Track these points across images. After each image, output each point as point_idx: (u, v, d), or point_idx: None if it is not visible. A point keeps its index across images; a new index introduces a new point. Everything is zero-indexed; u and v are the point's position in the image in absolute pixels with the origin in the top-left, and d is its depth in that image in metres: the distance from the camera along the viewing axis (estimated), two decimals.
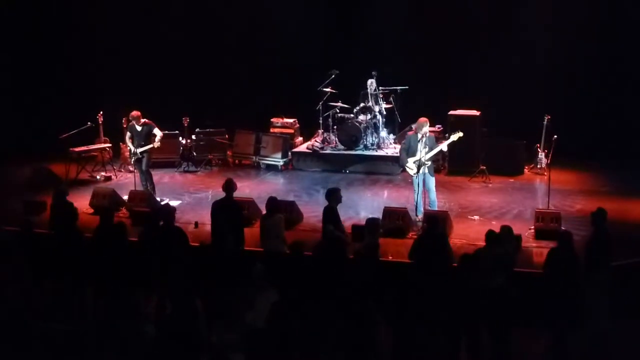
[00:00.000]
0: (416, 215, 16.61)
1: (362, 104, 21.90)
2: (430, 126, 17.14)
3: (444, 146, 16.75)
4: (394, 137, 22.46)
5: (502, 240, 12.39)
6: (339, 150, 22.07)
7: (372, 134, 21.97)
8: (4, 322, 12.76)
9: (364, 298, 11.70)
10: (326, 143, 22.38)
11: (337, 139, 22.20)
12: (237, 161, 22.85)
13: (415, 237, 14.35)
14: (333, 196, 14.24)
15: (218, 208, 14.35)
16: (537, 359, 12.36)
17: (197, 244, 13.67)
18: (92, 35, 24.22)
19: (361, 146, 21.85)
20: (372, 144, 21.93)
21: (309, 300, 12.10)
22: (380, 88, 22.00)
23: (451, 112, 21.00)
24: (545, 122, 20.16)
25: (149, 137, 18.39)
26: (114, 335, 12.23)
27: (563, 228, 15.52)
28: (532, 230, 16.05)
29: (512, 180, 20.44)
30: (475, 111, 21.10)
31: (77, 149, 20.88)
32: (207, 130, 22.70)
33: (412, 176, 16.87)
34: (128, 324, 12.26)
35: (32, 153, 21.48)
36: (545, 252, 12.85)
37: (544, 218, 16.05)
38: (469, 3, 22.90)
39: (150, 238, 13.39)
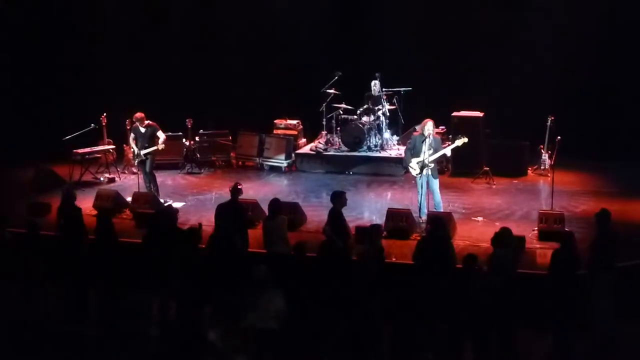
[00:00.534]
0: (419, 217, 16.59)
1: (365, 106, 21.88)
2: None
3: (447, 150, 16.73)
4: (398, 138, 22.44)
5: (501, 242, 12.36)
6: (343, 151, 22.06)
7: (375, 135, 21.95)
8: (10, 323, 12.77)
9: (368, 299, 11.71)
10: (329, 144, 22.37)
11: (340, 141, 22.18)
12: (240, 163, 22.83)
13: (419, 238, 14.33)
14: (338, 199, 14.17)
15: (223, 210, 14.33)
16: None
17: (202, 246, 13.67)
18: (95, 37, 24.21)
19: (364, 147, 21.83)
20: (376, 146, 21.91)
21: (312, 302, 12.09)
22: (384, 89, 22.00)
23: (454, 114, 20.99)
24: (548, 123, 20.12)
25: (152, 139, 18.38)
26: (118, 337, 12.25)
27: (567, 229, 15.50)
28: (536, 232, 16.02)
29: (515, 181, 20.42)
30: (478, 112, 21.07)
31: (80, 151, 20.87)
32: (211, 132, 22.71)
33: (415, 177, 16.83)
34: (132, 325, 12.27)
35: (36, 155, 21.45)
36: (548, 253, 12.82)
37: (548, 219, 16.02)
38: (472, 4, 22.86)
39: (154, 239, 13.38)
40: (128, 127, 19.89)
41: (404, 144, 21.98)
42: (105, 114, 21.03)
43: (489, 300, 11.58)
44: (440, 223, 13.21)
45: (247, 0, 24.44)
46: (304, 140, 23.32)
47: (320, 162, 22.04)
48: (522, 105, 21.63)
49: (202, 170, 22.12)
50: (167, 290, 12.80)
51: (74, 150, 20.72)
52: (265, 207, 16.87)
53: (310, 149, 22.50)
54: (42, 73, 23.76)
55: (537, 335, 12.53)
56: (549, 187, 18.09)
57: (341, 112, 22.19)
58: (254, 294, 11.90)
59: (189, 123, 21.96)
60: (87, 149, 21.09)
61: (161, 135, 18.42)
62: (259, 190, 19.73)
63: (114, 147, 21.69)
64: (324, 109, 22.22)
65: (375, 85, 21.84)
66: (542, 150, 20.68)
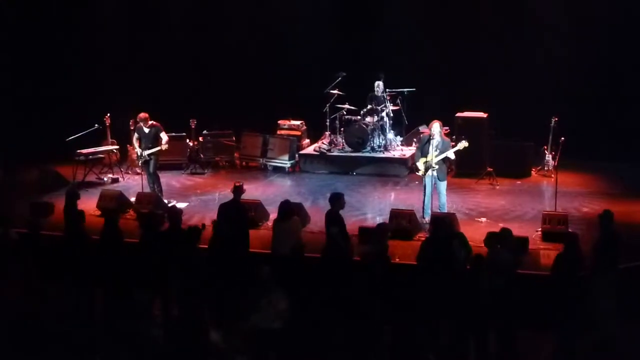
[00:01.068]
0: (423, 217, 16.60)
1: (369, 106, 21.89)
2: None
3: (450, 153, 16.69)
4: (401, 139, 22.44)
5: (502, 243, 12.35)
6: (346, 152, 22.06)
7: (379, 136, 21.95)
8: (13, 323, 12.80)
9: (371, 300, 11.73)
10: (333, 145, 22.37)
11: (344, 141, 22.18)
12: (244, 163, 22.84)
13: (423, 239, 14.33)
14: (338, 201, 14.03)
15: (224, 210, 14.33)
16: None
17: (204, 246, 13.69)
18: (99, 37, 24.25)
19: (368, 148, 21.83)
20: (379, 146, 21.91)
21: (315, 302, 12.11)
22: (388, 90, 22.00)
23: (458, 114, 20.98)
24: (552, 124, 20.13)
25: (156, 139, 18.40)
26: (120, 338, 12.27)
27: (570, 230, 15.51)
28: (539, 233, 16.01)
29: (519, 182, 20.42)
30: (482, 113, 21.07)
31: (84, 151, 20.88)
32: (214, 132, 22.72)
33: (422, 177, 16.84)
34: (134, 326, 12.30)
35: (40, 155, 21.48)
36: (552, 254, 12.83)
37: (551, 220, 16.02)
38: (475, 5, 22.86)
39: (150, 240, 13.39)
40: (132, 128, 19.90)
41: (407, 145, 22.09)
42: (108, 114, 21.05)
43: (489, 301, 11.60)
44: (443, 223, 13.21)
45: (251, 0, 24.45)
46: (307, 140, 23.32)
47: (323, 163, 22.05)
48: (525, 106, 21.63)
49: (206, 171, 22.14)
50: (169, 290, 12.84)
51: (78, 151, 20.72)
52: (268, 208, 16.95)
53: (314, 150, 22.51)
54: (46, 73, 23.76)
55: (539, 336, 12.54)
56: (552, 188, 18.05)
57: (345, 113, 22.20)
58: (257, 294, 11.91)
59: (192, 123, 21.96)
60: (91, 149, 21.10)
61: (164, 136, 18.42)
62: (262, 191, 19.75)
63: (117, 147, 21.72)
64: (328, 110, 22.23)
65: (378, 86, 21.86)
66: (546, 151, 20.68)
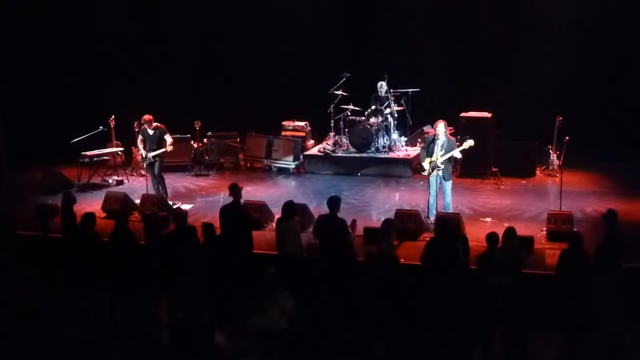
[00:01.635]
0: (428, 218, 16.61)
1: (373, 107, 21.91)
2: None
3: (456, 152, 16.68)
4: (406, 139, 22.47)
5: (507, 242, 12.37)
6: (351, 152, 22.10)
7: (383, 136, 21.99)
8: (18, 325, 12.84)
9: (377, 300, 11.75)
10: (338, 146, 22.41)
11: (348, 142, 22.22)
12: (248, 164, 22.88)
13: (428, 239, 14.33)
14: (338, 205, 13.90)
15: (225, 213, 14.33)
16: None
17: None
18: (104, 39, 24.29)
19: (372, 149, 21.86)
20: (384, 147, 21.94)
21: (322, 303, 12.14)
22: (392, 90, 22.04)
23: (463, 114, 20.99)
24: (557, 124, 20.14)
25: (161, 141, 18.42)
26: (127, 340, 12.30)
27: (575, 229, 15.52)
28: (545, 232, 16.03)
29: (524, 182, 20.44)
30: (486, 113, 21.08)
31: (89, 153, 20.93)
32: (219, 133, 22.77)
33: (426, 178, 16.86)
34: (141, 328, 12.33)
35: (45, 157, 21.54)
36: (557, 253, 12.83)
37: (556, 220, 16.03)
38: (479, 4, 22.86)
39: (155, 242, 13.43)
40: (136, 130, 19.94)
41: (412, 145, 22.11)
42: (113, 116, 21.09)
43: (496, 300, 11.63)
44: (448, 224, 13.22)
45: (255, 1, 24.49)
46: (312, 141, 23.36)
47: (328, 164, 22.08)
48: (530, 105, 21.64)
49: (211, 172, 22.19)
50: (174, 292, 12.87)
51: (83, 153, 20.79)
52: (273, 209, 16.97)
53: (319, 151, 22.55)
54: (50, 75, 23.81)
55: (545, 336, 12.54)
56: (557, 188, 18.09)
57: (349, 114, 22.24)
58: (263, 295, 11.95)
59: (197, 125, 22.02)
60: (96, 152, 21.16)
61: (168, 138, 18.43)
62: (267, 192, 19.80)
63: (122, 149, 21.76)
64: (332, 110, 22.27)
65: (382, 87, 21.89)
66: (551, 151, 20.69)
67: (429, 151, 16.63)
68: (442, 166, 16.51)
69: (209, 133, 22.71)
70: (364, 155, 21.87)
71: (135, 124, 20.31)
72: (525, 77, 21.60)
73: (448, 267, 12.16)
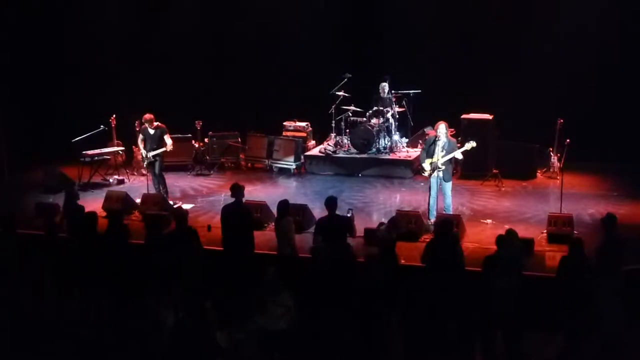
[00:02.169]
0: (429, 219, 16.64)
1: (374, 108, 21.94)
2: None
3: (457, 153, 16.69)
4: (407, 140, 22.50)
5: (507, 243, 12.40)
6: (352, 153, 22.13)
7: (384, 137, 22.02)
8: (24, 325, 12.88)
9: (377, 301, 11.77)
10: (339, 146, 22.44)
11: (349, 143, 22.25)
12: (249, 164, 22.92)
13: (428, 240, 14.35)
14: (335, 204, 14.00)
15: (227, 213, 14.36)
16: None
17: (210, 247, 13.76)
18: (105, 38, 24.29)
19: (374, 150, 21.89)
20: (385, 148, 21.98)
21: (321, 303, 12.16)
22: (393, 92, 22.08)
23: (464, 116, 21.04)
24: (558, 126, 20.16)
25: (161, 141, 18.43)
26: (128, 340, 12.33)
27: (576, 232, 15.56)
28: (545, 234, 16.06)
29: (524, 184, 20.46)
30: (487, 115, 21.11)
31: (90, 153, 20.96)
32: (220, 133, 22.80)
33: (428, 179, 16.87)
34: (141, 328, 12.35)
35: (46, 156, 21.57)
36: (557, 256, 12.87)
37: (557, 222, 16.05)
38: (480, 6, 22.87)
39: (155, 241, 13.47)
40: (137, 129, 19.96)
41: (413, 146, 22.13)
42: (114, 116, 21.13)
43: (497, 302, 11.67)
44: (448, 225, 13.24)
45: (256, 0, 24.52)
46: (313, 142, 23.38)
47: (329, 164, 22.11)
48: (531, 107, 21.61)
49: (212, 172, 22.22)
50: (175, 291, 12.90)
51: (83, 152, 20.80)
52: (274, 209, 16.99)
53: (320, 151, 22.58)
54: (52, 74, 23.84)
55: (545, 338, 12.57)
56: (558, 190, 18.11)
57: (350, 114, 22.27)
58: (263, 295, 11.98)
59: (198, 125, 22.06)
60: (97, 151, 21.19)
61: (167, 139, 18.43)
62: (268, 192, 19.82)
63: (123, 148, 21.80)
64: (333, 111, 22.31)
65: (384, 88, 21.92)
66: (552, 153, 20.72)
67: (429, 152, 16.66)
68: (443, 167, 16.53)
69: (210, 133, 22.76)
70: (365, 156, 21.90)
71: (136, 123, 20.34)
72: (527, 78, 21.54)
73: (449, 268, 12.18)
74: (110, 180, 21.15)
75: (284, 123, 23.35)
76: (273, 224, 16.27)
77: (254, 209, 16.44)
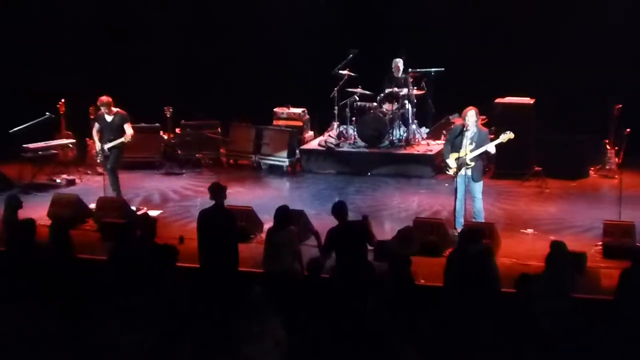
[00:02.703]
0: (455, 228, 16.59)
1: (387, 90, 21.91)
2: None
3: (490, 147, 16.62)
4: (427, 131, 22.48)
5: (553, 260, 12.35)
6: (359, 147, 22.15)
7: (399, 127, 22.02)
8: None
9: (391, 329, 11.73)
10: (343, 138, 22.43)
11: (356, 134, 22.25)
12: (232, 161, 22.95)
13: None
14: (346, 211, 14.01)
15: (206, 219, 14.28)
16: None
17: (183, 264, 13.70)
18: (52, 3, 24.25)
19: (386, 142, 21.91)
20: (400, 140, 21.99)
21: (323, 332, 12.12)
22: (410, 70, 22.03)
23: (498, 100, 21.00)
24: (615, 112, 20.12)
25: (121, 130, 18.35)
26: None
27: (639, 244, 15.50)
28: (600, 247, 16.01)
29: (573, 184, 20.47)
30: (528, 99, 21.06)
31: (32, 146, 20.95)
32: (196, 122, 22.78)
33: (453, 179, 16.81)
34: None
35: None
36: (616, 273, 12.81)
37: (614, 232, 16.02)
38: None
39: (124, 256, 13.41)
40: (92, 116, 19.91)
41: (435, 138, 22.10)
42: (63, 100, 21.07)
43: (541, 331, 11.63)
44: (475, 235, 13.16)
45: None
46: (310, 133, 23.41)
47: (330, 161, 22.14)
48: (581, 89, 21.57)
49: (185, 171, 22.18)
50: (140, 316, 12.84)
51: (24, 146, 20.79)
52: (263, 216, 16.94)
53: (319, 144, 22.59)
54: None
55: None
56: (615, 192, 18.07)
57: (357, 99, 22.25)
58: (249, 322, 11.93)
59: (167, 111, 22.01)
60: (41, 144, 21.17)
61: (128, 129, 18.32)
62: (255, 196, 19.82)
63: (74, 141, 21.76)
64: (336, 95, 22.27)
65: (398, 65, 21.92)
66: (607, 146, 20.70)
67: (455, 145, 16.62)
68: (472, 164, 16.49)
69: (183, 122, 22.74)
70: (376, 150, 21.93)
71: (91, 109, 20.27)
72: (577, 53, 21.52)
73: (478, 288, 12.12)
74: (58, 180, 21.12)
75: (275, 109, 23.37)
76: (262, 234, 16.27)
77: (238, 215, 16.32)
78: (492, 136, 17.03)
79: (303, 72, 23.15)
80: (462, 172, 16.53)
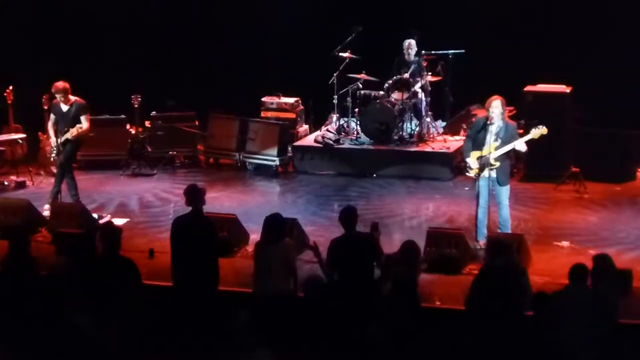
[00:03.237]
0: (476, 241, 16.61)
1: (396, 77, 21.93)
2: None
3: (519, 144, 16.60)
4: (444, 124, 22.50)
5: (596, 277, 12.36)
6: (363, 144, 22.19)
7: (411, 119, 22.04)
8: None
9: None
10: (343, 133, 22.47)
11: (359, 128, 22.26)
12: (211, 159, 23.00)
13: (476, 272, 14.29)
14: (355, 219, 14.00)
15: (181, 229, 14.27)
16: None
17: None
18: None
19: (395, 138, 21.90)
20: (412, 135, 22.00)
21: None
22: (424, 52, 22.05)
23: (528, 88, 21.01)
24: None
25: (79, 122, 18.32)
26: None
27: None
28: None
29: (618, 188, 20.52)
30: (563, 86, 21.08)
31: None
32: (169, 114, 22.79)
33: (475, 181, 16.81)
34: None
35: None
36: None
37: None
38: None
39: (82, 272, 13.42)
40: (45, 107, 19.92)
41: (453, 133, 22.13)
42: (11, 87, 21.08)
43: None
44: (503, 248, 13.18)
45: None
46: (305, 127, 23.49)
47: (328, 160, 22.20)
48: (627, 76, 21.61)
49: (156, 171, 22.19)
50: (105, 344, 12.87)
51: None
52: (248, 226, 16.94)
53: (315, 140, 22.63)
54: None
55: None
56: None
57: (361, 86, 22.28)
58: (233, 354, 11.97)
59: (135, 101, 21.99)
60: None
61: (84, 121, 18.25)
62: (239, 201, 19.86)
63: (24, 136, 21.75)
64: (336, 81, 22.30)
65: (410, 47, 21.93)
66: None
67: (478, 142, 16.61)
68: (497, 164, 16.49)
69: (154, 113, 22.76)
70: (382, 147, 21.96)
71: (44, 98, 20.26)
72: (621, 35, 21.56)
73: (507, 315, 12.14)
74: (6, 182, 21.12)
75: (263, 99, 23.41)
76: (248, 247, 16.28)
77: (219, 224, 16.32)
78: (521, 131, 17.06)
79: (296, 54, 23.19)
80: (486, 173, 16.52)
